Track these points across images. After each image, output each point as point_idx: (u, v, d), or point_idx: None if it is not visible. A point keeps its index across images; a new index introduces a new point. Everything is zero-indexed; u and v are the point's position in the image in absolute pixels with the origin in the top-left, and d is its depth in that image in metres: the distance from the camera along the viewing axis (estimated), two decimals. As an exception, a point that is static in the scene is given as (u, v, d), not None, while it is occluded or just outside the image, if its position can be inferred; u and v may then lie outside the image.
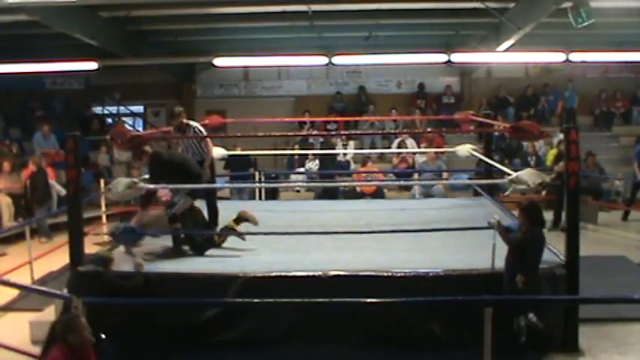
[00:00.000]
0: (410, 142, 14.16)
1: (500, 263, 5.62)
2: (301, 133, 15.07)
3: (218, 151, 10.19)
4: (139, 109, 17.15)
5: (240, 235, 6.75)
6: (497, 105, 15.36)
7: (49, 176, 11.33)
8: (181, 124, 7.43)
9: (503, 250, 5.62)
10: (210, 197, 7.43)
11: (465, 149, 9.98)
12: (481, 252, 6.20)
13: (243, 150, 12.36)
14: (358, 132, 15.33)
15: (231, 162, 12.55)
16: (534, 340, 5.38)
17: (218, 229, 7.07)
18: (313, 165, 13.72)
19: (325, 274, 5.72)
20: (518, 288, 5.34)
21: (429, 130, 14.80)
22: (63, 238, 7.82)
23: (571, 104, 15.54)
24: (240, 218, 6.89)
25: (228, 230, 6.80)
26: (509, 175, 6.40)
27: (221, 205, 7.69)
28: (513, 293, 5.36)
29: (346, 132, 14.80)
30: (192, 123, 7.63)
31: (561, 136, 7.39)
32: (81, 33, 11.12)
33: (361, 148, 14.79)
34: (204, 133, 7.67)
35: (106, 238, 8.41)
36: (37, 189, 10.99)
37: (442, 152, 13.07)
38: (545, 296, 5.69)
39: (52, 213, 10.82)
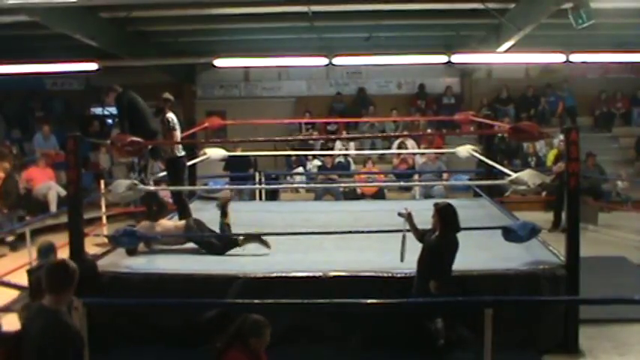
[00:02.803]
0: (410, 142, 14.16)
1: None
2: (301, 136, 15.06)
3: (218, 152, 10.21)
4: (139, 109, 17.12)
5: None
6: (498, 106, 15.36)
7: (20, 181, 11.18)
8: (163, 110, 7.37)
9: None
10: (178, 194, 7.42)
11: (465, 150, 9.97)
12: (481, 252, 6.22)
13: (243, 151, 12.36)
14: (358, 135, 15.29)
15: (231, 162, 12.54)
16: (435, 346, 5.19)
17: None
18: (313, 165, 13.72)
19: (325, 275, 5.73)
20: (431, 293, 5.15)
21: (429, 131, 14.79)
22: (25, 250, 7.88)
23: (569, 104, 15.54)
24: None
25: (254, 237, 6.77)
26: (510, 175, 6.41)
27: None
28: (425, 297, 5.16)
29: (347, 135, 14.76)
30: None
31: (562, 136, 7.38)
32: (81, 33, 11.10)
33: (361, 149, 14.78)
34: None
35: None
36: (10, 194, 10.70)
37: (442, 153, 13.06)
38: (545, 297, 5.69)
39: (51, 214, 10.80)
